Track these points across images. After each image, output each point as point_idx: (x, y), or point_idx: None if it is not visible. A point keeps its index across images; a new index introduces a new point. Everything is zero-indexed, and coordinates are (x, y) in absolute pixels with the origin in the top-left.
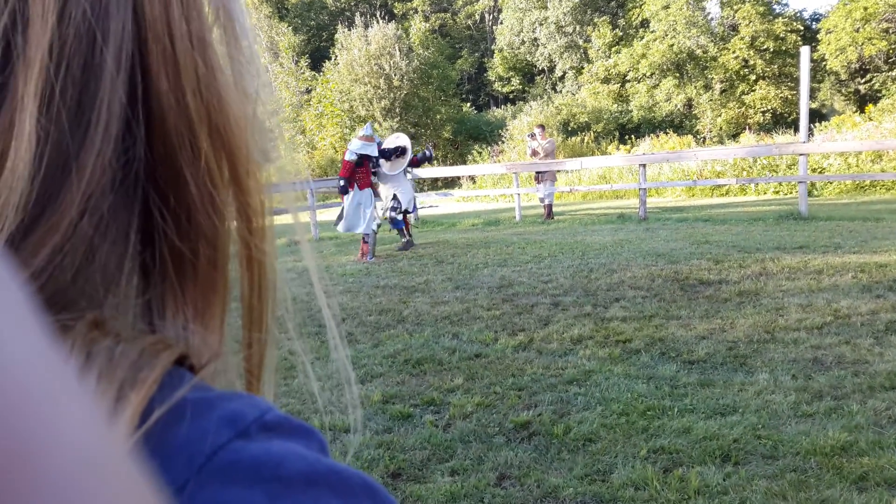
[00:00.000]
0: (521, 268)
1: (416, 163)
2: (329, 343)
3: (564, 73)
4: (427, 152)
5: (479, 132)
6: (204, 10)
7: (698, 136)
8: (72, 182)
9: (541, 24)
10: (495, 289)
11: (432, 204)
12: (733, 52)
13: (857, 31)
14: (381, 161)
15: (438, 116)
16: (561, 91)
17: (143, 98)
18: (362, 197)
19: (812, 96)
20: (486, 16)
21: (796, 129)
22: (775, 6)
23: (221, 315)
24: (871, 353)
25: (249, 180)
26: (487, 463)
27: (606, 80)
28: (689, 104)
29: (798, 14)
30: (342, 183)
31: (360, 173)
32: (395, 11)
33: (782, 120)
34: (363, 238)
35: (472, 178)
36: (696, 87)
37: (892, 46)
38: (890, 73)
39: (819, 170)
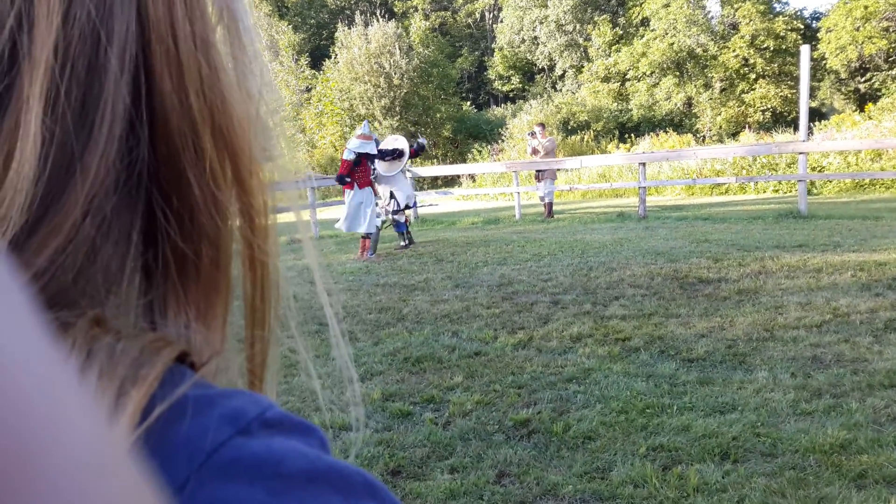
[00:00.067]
0: (520, 266)
1: (412, 154)
2: (331, 341)
3: (564, 71)
4: (421, 142)
5: (479, 131)
6: (207, 11)
7: (698, 135)
8: (76, 183)
9: (541, 23)
10: (495, 287)
11: (432, 202)
12: (733, 50)
13: (858, 29)
14: (377, 162)
15: (438, 115)
16: (561, 90)
17: (147, 99)
18: (363, 196)
19: (812, 95)
20: (487, 14)
21: (796, 128)
22: (776, 5)
23: (224, 315)
24: (870, 351)
25: (252, 180)
26: (487, 460)
27: (606, 79)
28: (688, 103)
29: (798, 13)
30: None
31: (359, 172)
32: (396, 10)
33: (782, 119)
34: (363, 236)
35: (472, 177)
36: (696, 85)
37: (893, 45)
38: (890, 71)
39: (818, 168)
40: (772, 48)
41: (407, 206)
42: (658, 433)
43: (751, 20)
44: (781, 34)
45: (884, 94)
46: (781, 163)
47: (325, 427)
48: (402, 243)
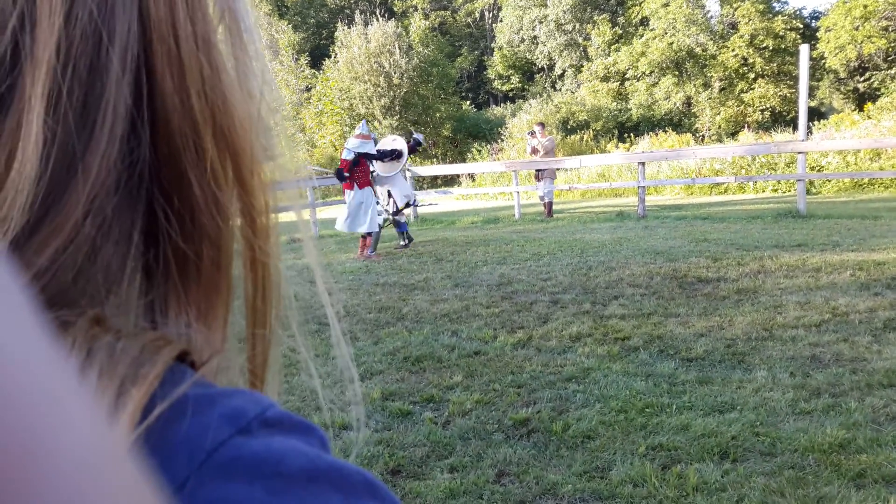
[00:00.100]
0: (520, 266)
1: (409, 149)
2: (332, 341)
3: (564, 71)
4: (416, 137)
5: (479, 130)
6: (209, 11)
7: (697, 135)
8: (77, 183)
9: (540, 22)
10: (494, 286)
11: (432, 202)
12: (732, 50)
13: (857, 29)
14: (376, 163)
15: (438, 114)
16: (560, 89)
17: (148, 99)
18: (363, 196)
19: (811, 94)
20: (486, 13)
21: (795, 128)
22: (775, 4)
23: (225, 315)
24: (869, 350)
25: (253, 180)
26: (486, 460)
27: (606, 79)
28: (688, 102)
29: (797, 12)
30: (341, 174)
31: (359, 172)
32: (395, 9)
33: (781, 118)
34: (363, 235)
35: (472, 176)
36: (695, 85)
37: (892, 45)
38: (889, 71)
39: (817, 168)
40: (771, 48)
41: (407, 205)
42: (657, 432)
43: (750, 19)
44: (780, 34)
45: (883, 94)
46: (780, 162)
47: (326, 426)
48: (402, 243)
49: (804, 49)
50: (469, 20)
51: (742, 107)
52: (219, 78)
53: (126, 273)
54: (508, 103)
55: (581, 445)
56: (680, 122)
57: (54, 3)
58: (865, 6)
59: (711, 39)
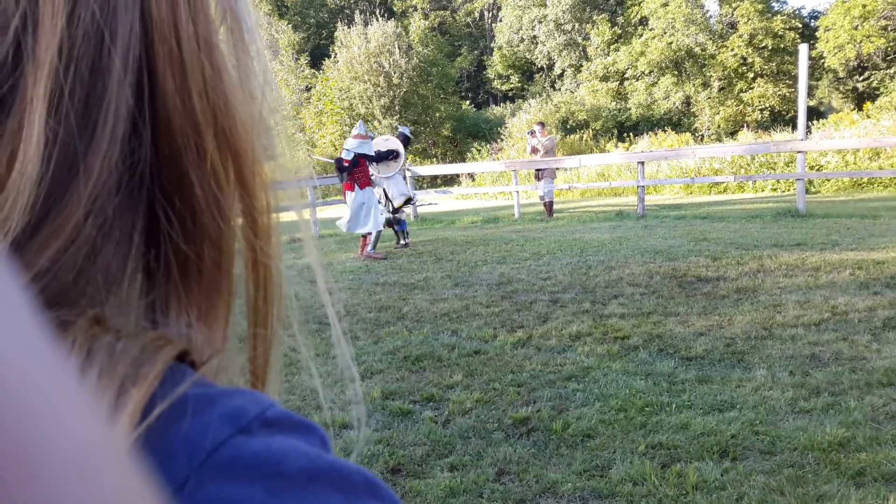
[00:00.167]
0: (519, 265)
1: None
2: (332, 340)
3: (563, 70)
4: (402, 130)
5: (479, 130)
6: (211, 12)
7: (696, 134)
8: (78, 183)
9: (540, 22)
10: (494, 286)
11: (431, 201)
12: (732, 49)
13: (856, 28)
14: (374, 165)
15: (438, 114)
16: (560, 89)
17: (150, 100)
18: (364, 196)
19: (810, 94)
20: (486, 13)
21: (794, 127)
22: (774, 4)
23: (225, 315)
24: (869, 349)
25: (255, 181)
26: (486, 458)
27: (605, 78)
28: (687, 102)
29: (797, 12)
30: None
31: (359, 173)
32: (395, 9)
33: (780, 117)
34: (363, 235)
35: (472, 176)
36: (694, 84)
37: (891, 44)
38: (888, 70)
39: (817, 167)
40: (770, 47)
41: (408, 201)
42: (657, 431)
43: (749, 19)
44: (780, 33)
45: (882, 93)
46: (780, 162)
47: (326, 426)
48: (402, 242)
49: (803, 48)
50: (468, 20)
51: (741, 106)
52: (220, 79)
53: (126, 274)
54: (508, 103)
55: (581, 444)
56: (679, 121)
57: (57, 4)
58: (864, 6)
59: (710, 39)
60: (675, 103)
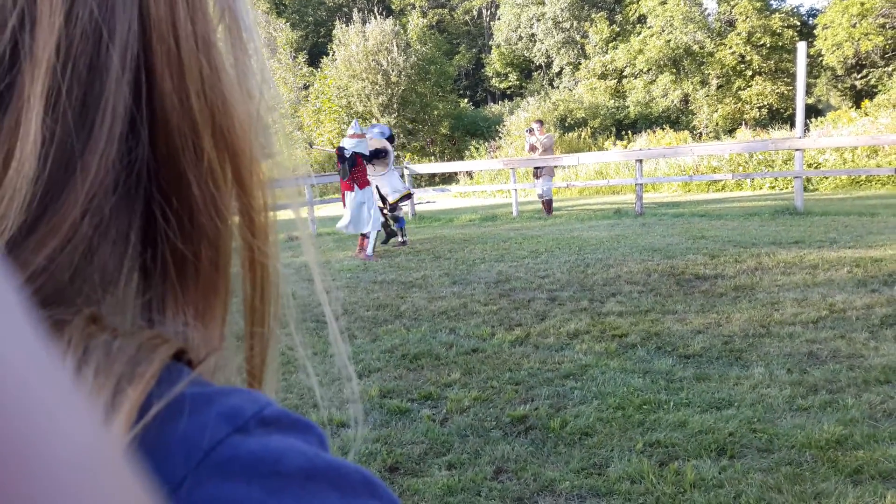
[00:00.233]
0: (518, 263)
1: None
2: (331, 338)
3: (562, 68)
4: (381, 129)
5: (477, 128)
6: (209, 11)
7: (695, 132)
8: (75, 182)
9: (538, 20)
10: (492, 284)
11: (429, 199)
12: (730, 47)
13: (854, 26)
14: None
15: (436, 112)
16: (558, 87)
17: (148, 99)
18: (364, 196)
19: (808, 92)
20: (484, 11)
21: (792, 125)
22: (772, 2)
23: (222, 315)
24: (866, 347)
25: (252, 180)
26: (484, 457)
27: (603, 76)
28: (685, 100)
29: (795, 9)
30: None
31: (358, 172)
32: (393, 7)
33: (778, 115)
34: (363, 234)
35: (470, 174)
36: (692, 82)
37: (889, 42)
38: (886, 68)
39: (815, 165)
40: (768, 45)
41: (406, 196)
42: (655, 429)
43: (747, 17)
44: (778, 31)
45: (880, 91)
46: (778, 159)
47: (324, 424)
48: (401, 239)
49: (801, 46)
50: (467, 18)
51: (739, 104)
52: (218, 78)
53: (123, 273)
54: (506, 101)
55: (579, 442)
56: (677, 119)
57: (55, 2)
58: (862, 3)
59: (709, 37)
60: (673, 101)
